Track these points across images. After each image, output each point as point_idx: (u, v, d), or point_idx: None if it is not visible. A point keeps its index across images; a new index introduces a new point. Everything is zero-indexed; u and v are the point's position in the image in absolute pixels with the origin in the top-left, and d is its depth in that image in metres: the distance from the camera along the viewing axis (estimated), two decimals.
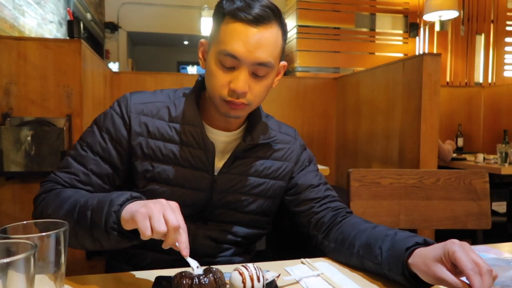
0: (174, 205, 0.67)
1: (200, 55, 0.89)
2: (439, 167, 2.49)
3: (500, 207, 3.00)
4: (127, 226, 0.68)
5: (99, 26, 5.16)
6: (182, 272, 0.66)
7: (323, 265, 0.84)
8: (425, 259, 0.67)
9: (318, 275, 0.77)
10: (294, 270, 0.81)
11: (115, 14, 5.81)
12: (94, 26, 4.78)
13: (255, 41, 0.79)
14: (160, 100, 0.92)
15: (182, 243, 0.66)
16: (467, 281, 0.61)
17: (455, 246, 0.63)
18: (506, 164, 2.80)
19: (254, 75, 0.82)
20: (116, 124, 0.89)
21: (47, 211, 0.79)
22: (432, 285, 0.71)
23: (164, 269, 0.78)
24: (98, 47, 5.06)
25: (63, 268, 0.59)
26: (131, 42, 7.01)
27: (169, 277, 0.68)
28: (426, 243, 0.72)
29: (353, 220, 0.91)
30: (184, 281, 0.63)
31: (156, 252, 0.90)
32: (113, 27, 5.77)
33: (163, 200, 0.67)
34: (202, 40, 0.89)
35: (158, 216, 0.64)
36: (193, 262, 0.68)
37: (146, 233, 0.63)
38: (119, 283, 0.75)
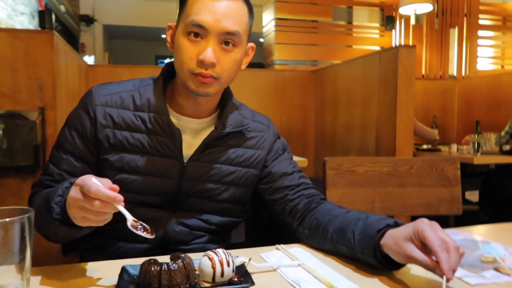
0: (81, 187, 0.65)
1: (169, 39, 0.90)
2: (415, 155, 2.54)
3: (473, 196, 3.09)
4: (72, 213, 0.68)
5: (73, 19, 5.03)
6: (150, 259, 0.65)
7: (297, 250, 0.85)
8: (395, 238, 0.69)
9: (299, 265, 0.76)
10: (269, 256, 0.82)
11: (90, 7, 5.68)
12: (68, 19, 4.65)
13: (222, 10, 0.80)
14: (125, 90, 0.91)
15: (112, 200, 0.63)
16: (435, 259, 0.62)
17: (424, 225, 0.65)
18: (478, 154, 2.88)
19: (222, 47, 0.83)
20: (82, 120, 0.89)
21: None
22: (402, 266, 0.73)
23: (137, 258, 0.78)
24: (72, 40, 4.94)
25: (28, 258, 0.57)
26: (107, 36, 6.87)
27: (137, 265, 0.67)
28: (397, 225, 0.74)
29: (327, 206, 0.92)
30: (152, 268, 0.62)
31: (128, 242, 0.89)
32: (89, 20, 5.64)
33: (74, 185, 0.67)
34: (170, 23, 0.89)
35: (83, 201, 0.63)
36: (128, 214, 0.67)
37: (94, 222, 0.66)
38: (89, 272, 0.74)
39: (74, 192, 0.66)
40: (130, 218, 0.67)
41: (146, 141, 0.88)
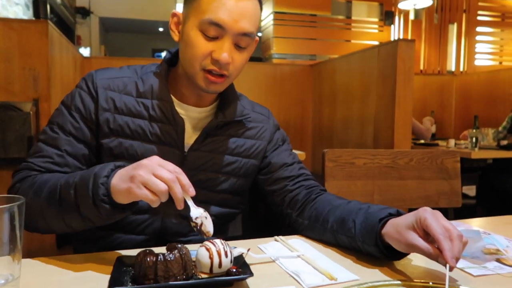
0: (156, 158, 0.67)
1: (173, 27, 0.87)
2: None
3: (470, 190, 3.08)
4: (122, 199, 0.67)
5: (69, 11, 4.97)
6: (145, 249, 0.63)
7: (296, 242, 0.83)
8: (397, 227, 0.67)
9: (298, 256, 0.75)
10: (267, 247, 0.80)
11: None
12: (64, 11, 4.60)
13: (240, 10, 0.78)
14: (126, 76, 0.89)
15: (185, 186, 0.66)
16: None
17: (427, 213, 0.64)
18: (476, 149, 2.88)
19: (237, 46, 0.82)
20: (85, 101, 0.86)
21: (27, 199, 0.75)
22: (403, 256, 0.71)
23: (133, 249, 0.76)
24: (68, 32, 4.88)
25: (19, 248, 0.55)
26: (103, 28, 6.81)
27: (133, 256, 0.65)
28: (399, 214, 0.72)
29: (327, 197, 0.91)
30: (148, 259, 0.61)
31: (125, 233, 0.87)
32: (85, 12, 5.58)
33: (143, 161, 0.66)
34: (175, 10, 0.86)
35: (152, 179, 0.63)
36: (194, 210, 0.68)
37: (153, 203, 0.64)
38: (86, 261, 0.72)
39: (149, 160, 0.65)
40: (194, 215, 0.68)
41: (148, 128, 0.86)
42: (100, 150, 0.86)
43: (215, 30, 0.78)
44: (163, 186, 0.63)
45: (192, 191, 0.67)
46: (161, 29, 7.68)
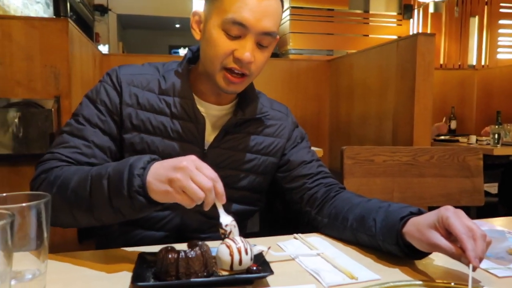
0: (193, 158, 0.66)
1: (194, 26, 0.87)
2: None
3: (492, 188, 3.02)
4: (157, 198, 0.66)
5: (88, 8, 5.04)
6: (167, 246, 0.64)
7: (316, 240, 0.83)
8: (418, 226, 0.66)
9: (318, 254, 0.75)
10: (287, 245, 0.80)
11: None
12: (82, 8, 4.67)
13: (263, 9, 0.78)
14: (149, 73, 0.90)
15: (219, 194, 0.66)
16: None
17: (449, 212, 0.63)
18: (499, 145, 2.81)
19: (259, 45, 0.82)
20: (110, 95, 0.87)
21: (51, 191, 0.74)
22: (425, 255, 0.70)
23: (153, 245, 0.77)
24: (87, 30, 4.96)
25: (45, 244, 0.57)
26: (121, 25, 6.88)
27: (154, 253, 0.66)
28: (420, 213, 0.71)
29: (346, 195, 0.90)
30: (169, 256, 0.61)
31: (145, 229, 0.88)
32: (103, 9, 5.65)
33: (182, 162, 0.65)
34: (196, 9, 0.87)
35: (191, 186, 0.63)
36: (224, 217, 0.68)
37: (189, 206, 0.64)
38: (107, 258, 0.73)
39: (187, 162, 0.64)
40: (224, 222, 0.68)
41: (169, 124, 0.86)
42: (122, 145, 0.87)
43: (238, 30, 0.78)
44: (201, 194, 0.63)
45: (224, 199, 0.67)
46: (177, 26, 7.71)
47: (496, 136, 2.82)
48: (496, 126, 2.93)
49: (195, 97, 0.90)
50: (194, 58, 0.92)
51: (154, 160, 0.70)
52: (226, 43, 0.80)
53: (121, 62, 2.96)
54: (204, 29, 0.84)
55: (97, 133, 0.84)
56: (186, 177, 0.63)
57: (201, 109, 0.89)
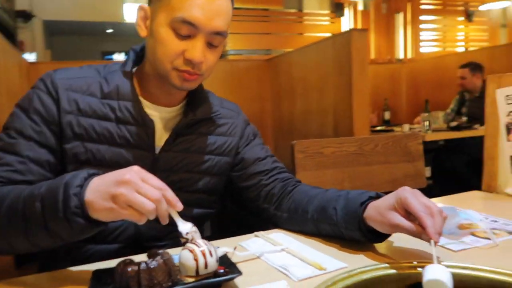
0: (137, 170, 0.61)
1: (140, 22, 0.82)
2: None
3: (426, 171, 3.23)
4: (101, 217, 0.60)
5: (9, 15, 4.66)
6: (125, 259, 0.59)
7: (278, 235, 0.83)
8: (379, 209, 0.68)
9: (283, 249, 0.74)
10: (250, 244, 0.79)
11: (27, 1, 5.27)
12: (2, 15, 4.31)
13: (214, 8, 0.75)
14: (89, 75, 0.83)
15: (171, 202, 0.62)
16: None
17: (406, 192, 0.65)
18: (430, 131, 3.02)
19: (209, 45, 0.79)
20: (45, 102, 0.79)
21: None
22: (386, 238, 0.73)
23: (107, 260, 0.71)
24: (9, 38, 4.57)
25: None
26: (48, 32, 6.45)
27: (111, 268, 0.61)
28: (378, 196, 0.74)
29: (303, 188, 0.90)
30: (129, 269, 0.57)
31: (96, 243, 0.82)
32: (26, 15, 5.23)
33: (124, 175, 0.59)
34: (142, 4, 0.82)
35: (138, 200, 0.57)
36: (183, 225, 0.64)
37: (140, 222, 0.59)
38: (54, 281, 0.66)
39: (131, 175, 0.59)
40: (184, 230, 0.63)
41: (115, 130, 0.80)
42: (64, 156, 0.79)
43: (188, 29, 0.75)
44: (150, 205, 0.58)
45: (179, 206, 0.62)
46: (109, 31, 7.40)
47: (427, 123, 3.03)
48: (426, 114, 3.14)
49: (142, 99, 0.85)
50: (137, 58, 0.87)
51: (93, 175, 0.64)
52: (176, 43, 0.76)
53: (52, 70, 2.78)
54: (150, 27, 0.79)
55: (32, 147, 0.76)
56: (131, 191, 0.58)
57: (148, 111, 0.84)
